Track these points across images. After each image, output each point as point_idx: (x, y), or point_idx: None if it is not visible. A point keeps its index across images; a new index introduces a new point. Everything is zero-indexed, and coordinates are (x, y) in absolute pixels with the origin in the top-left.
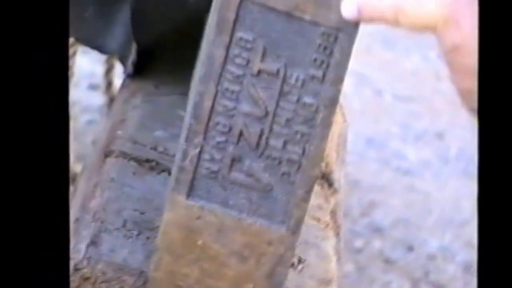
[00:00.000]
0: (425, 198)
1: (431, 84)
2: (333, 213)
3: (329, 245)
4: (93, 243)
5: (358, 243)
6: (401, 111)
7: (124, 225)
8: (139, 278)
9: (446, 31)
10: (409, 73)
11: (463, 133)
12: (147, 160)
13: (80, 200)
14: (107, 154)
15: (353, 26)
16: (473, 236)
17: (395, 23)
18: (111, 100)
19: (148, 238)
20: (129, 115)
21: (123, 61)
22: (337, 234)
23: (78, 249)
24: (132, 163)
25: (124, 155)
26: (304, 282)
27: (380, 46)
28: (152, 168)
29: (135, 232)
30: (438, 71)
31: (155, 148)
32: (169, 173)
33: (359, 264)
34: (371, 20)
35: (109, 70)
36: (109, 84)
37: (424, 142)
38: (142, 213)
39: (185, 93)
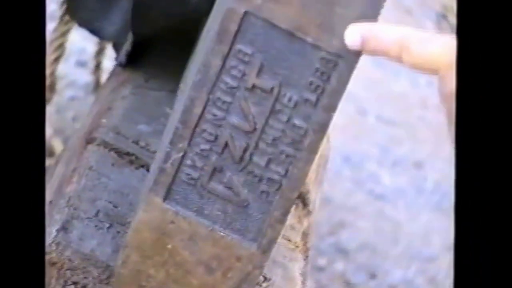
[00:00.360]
0: (394, 226)
1: (417, 111)
2: (304, 235)
3: (297, 267)
4: (64, 228)
5: (322, 261)
6: (382, 134)
7: (96, 215)
8: (104, 272)
9: (449, 75)
10: (396, 96)
11: (443, 165)
12: (127, 153)
13: (57, 183)
14: (89, 141)
15: (355, 55)
16: (438, 273)
17: (398, 59)
18: (98, 81)
19: (118, 232)
20: (116, 105)
21: (116, 48)
22: (306, 257)
23: (48, 232)
24: (113, 154)
25: (105, 144)
26: None
27: (370, 64)
28: (131, 162)
29: (107, 224)
30: (426, 98)
31: (136, 142)
32: (148, 170)
33: (320, 283)
34: (374, 52)
35: (100, 51)
36: (98, 65)
37: (402, 169)
38: (116, 206)
39: (173, 91)
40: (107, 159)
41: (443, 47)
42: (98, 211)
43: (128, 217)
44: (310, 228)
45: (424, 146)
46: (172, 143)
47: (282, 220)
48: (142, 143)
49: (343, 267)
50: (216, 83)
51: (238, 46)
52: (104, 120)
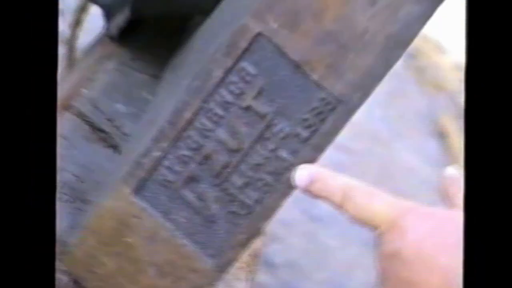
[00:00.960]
0: (324, 251)
1: (368, 143)
2: (253, 256)
3: (239, 286)
4: None
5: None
6: (328, 159)
7: (60, 186)
8: (57, 246)
9: (389, 234)
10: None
11: None
12: (100, 130)
13: None
14: (66, 107)
15: (355, 104)
16: None
17: (339, 206)
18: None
19: (78, 209)
20: (98, 77)
21: (108, 17)
22: (251, 279)
23: None
24: (86, 127)
25: (81, 115)
26: None
27: None
28: (103, 140)
29: (69, 198)
30: (377, 132)
31: (111, 121)
32: (117, 150)
33: None
34: (318, 194)
35: (83, 9)
36: (77, 22)
37: None
38: (81, 182)
39: (155, 76)
40: (80, 131)
41: (388, 205)
42: (63, 183)
43: (90, 196)
44: (260, 251)
45: (368, 178)
46: (155, 140)
47: (244, 245)
48: (116, 123)
49: (265, 280)
50: (212, 93)
51: (243, 64)
52: (84, 90)
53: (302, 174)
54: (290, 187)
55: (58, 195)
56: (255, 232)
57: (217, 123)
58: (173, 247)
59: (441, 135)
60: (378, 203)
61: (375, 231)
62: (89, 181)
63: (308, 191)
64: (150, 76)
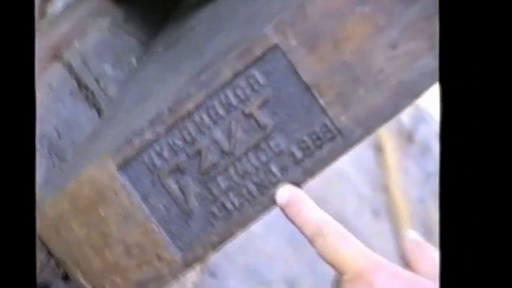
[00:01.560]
0: (246, 236)
1: None
2: None
3: (191, 277)
4: None
5: None
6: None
7: (40, 138)
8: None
9: (353, 284)
10: None
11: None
12: (86, 88)
13: None
14: (56, 56)
15: (355, 140)
16: None
17: (310, 240)
18: None
19: (53, 166)
20: (91, 32)
21: None
22: (202, 271)
23: None
24: (74, 82)
25: (70, 69)
26: None
27: None
28: (87, 98)
29: (45, 152)
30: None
31: (97, 81)
32: (99, 113)
33: None
34: (291, 220)
35: None
36: None
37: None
38: (59, 137)
39: (144, 43)
40: (67, 84)
41: (357, 254)
42: (42, 135)
43: (67, 155)
44: None
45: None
46: (151, 122)
47: (215, 246)
48: (102, 84)
49: None
50: (218, 92)
51: (254, 71)
52: (76, 43)
53: (283, 193)
54: (272, 202)
55: (36, 145)
56: (228, 237)
57: (216, 122)
58: (144, 230)
59: (378, 149)
60: (349, 249)
61: (341, 277)
62: (67, 138)
63: (283, 212)
64: (139, 42)
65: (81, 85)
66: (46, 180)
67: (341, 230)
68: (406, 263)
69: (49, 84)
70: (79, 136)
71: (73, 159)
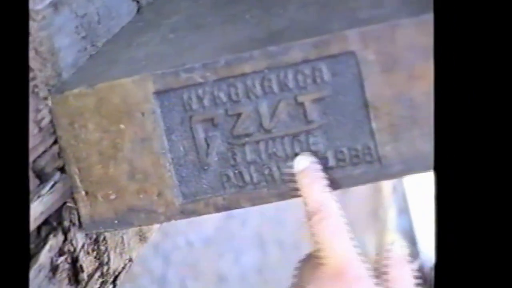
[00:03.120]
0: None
1: None
2: None
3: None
4: (54, 6)
5: None
6: None
7: (82, 16)
8: (53, 78)
9: (333, 282)
10: None
11: None
12: None
13: None
14: None
15: (391, 173)
16: None
17: (308, 216)
18: None
19: (85, 49)
20: None
21: None
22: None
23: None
24: None
25: None
26: None
27: None
28: None
29: (82, 32)
30: None
31: None
32: (138, 9)
33: None
34: (300, 189)
35: None
36: None
37: None
38: (99, 22)
39: None
40: None
41: (343, 249)
42: (84, 14)
43: (99, 41)
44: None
45: None
46: (204, 65)
47: (218, 209)
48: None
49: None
50: (280, 68)
51: (322, 65)
52: None
53: (303, 159)
54: (287, 193)
55: (75, 22)
56: (234, 206)
57: (266, 94)
58: (156, 161)
59: None
60: (338, 241)
61: (315, 260)
62: (104, 25)
63: (296, 177)
64: None
65: None
66: (74, 62)
67: (340, 220)
68: (379, 271)
69: None
70: (115, 26)
71: (108, 55)
